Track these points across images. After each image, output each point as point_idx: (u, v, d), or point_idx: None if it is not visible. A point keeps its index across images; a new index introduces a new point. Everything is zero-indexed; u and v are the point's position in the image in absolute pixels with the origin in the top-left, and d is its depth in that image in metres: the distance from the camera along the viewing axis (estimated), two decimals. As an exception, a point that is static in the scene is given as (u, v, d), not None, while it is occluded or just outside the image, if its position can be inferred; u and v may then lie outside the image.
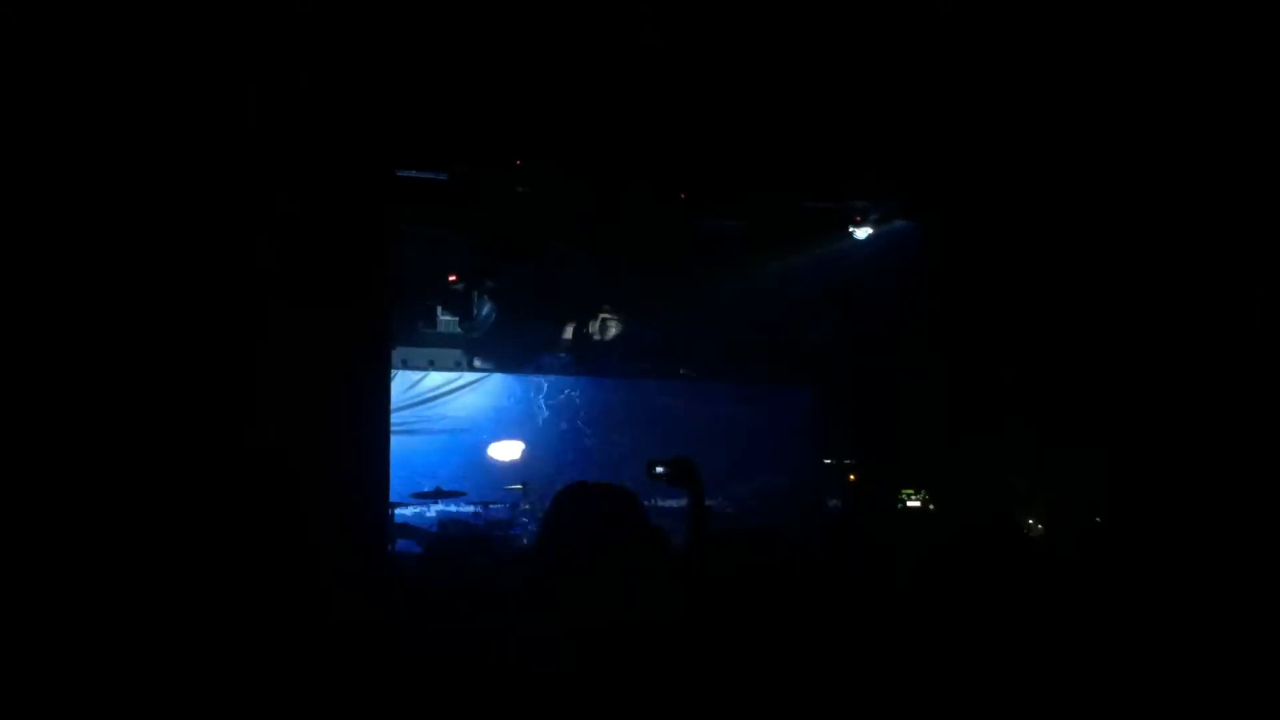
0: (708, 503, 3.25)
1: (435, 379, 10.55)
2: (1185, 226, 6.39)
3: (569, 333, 10.16)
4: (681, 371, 11.01)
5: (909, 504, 8.48)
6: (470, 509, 9.32)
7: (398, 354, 9.32)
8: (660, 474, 3.54)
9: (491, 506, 9.31)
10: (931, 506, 8.47)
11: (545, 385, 11.04)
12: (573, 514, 2.10)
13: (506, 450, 10.50)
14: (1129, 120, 6.17)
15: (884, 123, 6.68)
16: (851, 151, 7.10)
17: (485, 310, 9.08)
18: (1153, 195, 6.47)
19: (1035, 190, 7.09)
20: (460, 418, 10.68)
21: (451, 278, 8.98)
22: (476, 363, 10.43)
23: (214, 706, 3.51)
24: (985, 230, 7.77)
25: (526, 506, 9.23)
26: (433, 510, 9.36)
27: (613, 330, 10.13)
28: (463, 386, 10.66)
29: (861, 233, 8.83)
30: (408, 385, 10.28)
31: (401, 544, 7.58)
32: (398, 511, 8.46)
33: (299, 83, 4.77)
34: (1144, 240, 6.67)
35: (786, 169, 7.38)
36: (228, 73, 4.38)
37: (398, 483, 9.29)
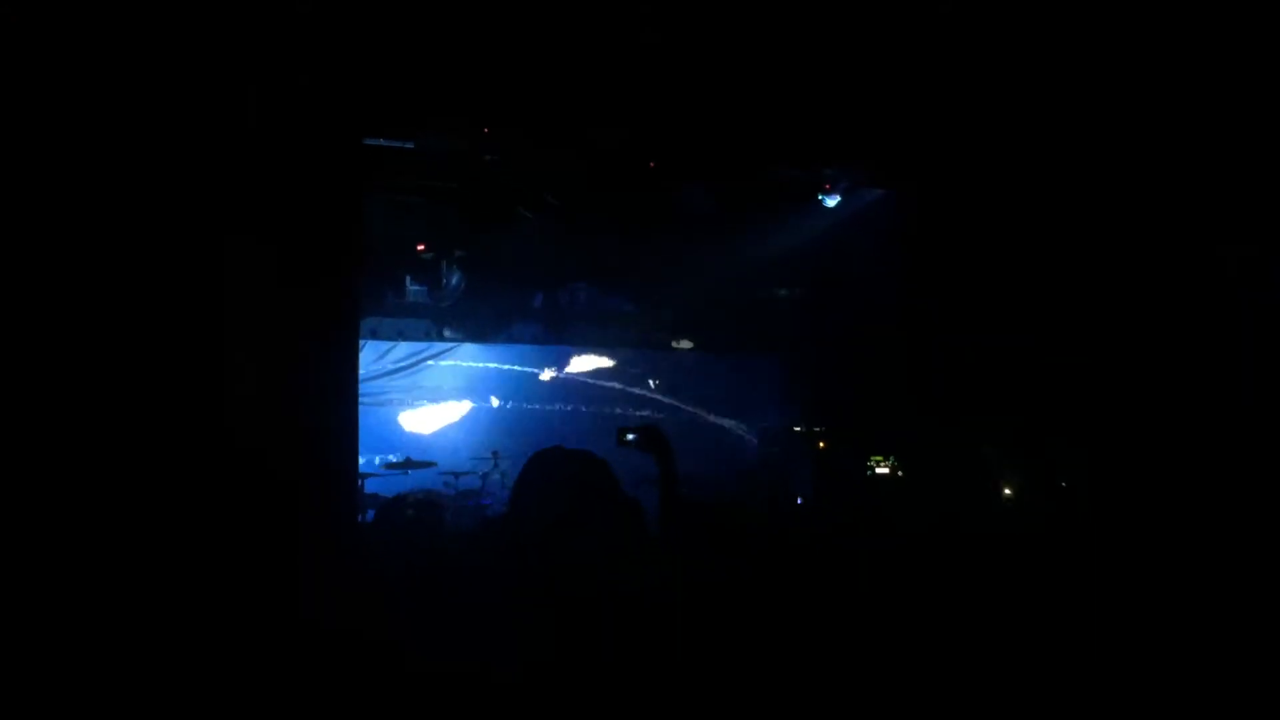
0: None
1: (404, 349, 10.52)
2: (1167, 201, 6.42)
3: (539, 301, 10.15)
4: (652, 339, 11.03)
5: (877, 471, 8.53)
6: (441, 479, 9.31)
7: (366, 324, 9.28)
8: (630, 441, 3.57)
9: (462, 477, 9.30)
10: (900, 474, 8.52)
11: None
12: (541, 479, 2.09)
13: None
14: (1109, 92, 6.17)
15: (855, 88, 6.66)
16: (821, 118, 7.08)
17: (454, 279, 9.03)
18: (1134, 165, 6.49)
19: (1012, 157, 7.10)
20: (431, 388, 10.67)
21: (420, 247, 8.93)
22: (446, 332, 10.40)
23: (182, 678, 3.49)
24: (958, 197, 7.79)
25: (498, 476, 9.24)
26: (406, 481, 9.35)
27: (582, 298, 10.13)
28: (432, 357, 10.63)
29: (831, 200, 8.83)
30: (377, 355, 10.25)
31: (371, 514, 7.57)
32: (368, 481, 8.45)
33: (265, 50, 4.71)
34: (1121, 208, 6.70)
35: (755, 136, 7.35)
36: (191, 42, 4.31)
37: (369, 454, 9.32)
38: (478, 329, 10.37)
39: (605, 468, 2.12)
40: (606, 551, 2.07)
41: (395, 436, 10.38)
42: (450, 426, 10.68)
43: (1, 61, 3.91)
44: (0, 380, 3.81)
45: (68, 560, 3.71)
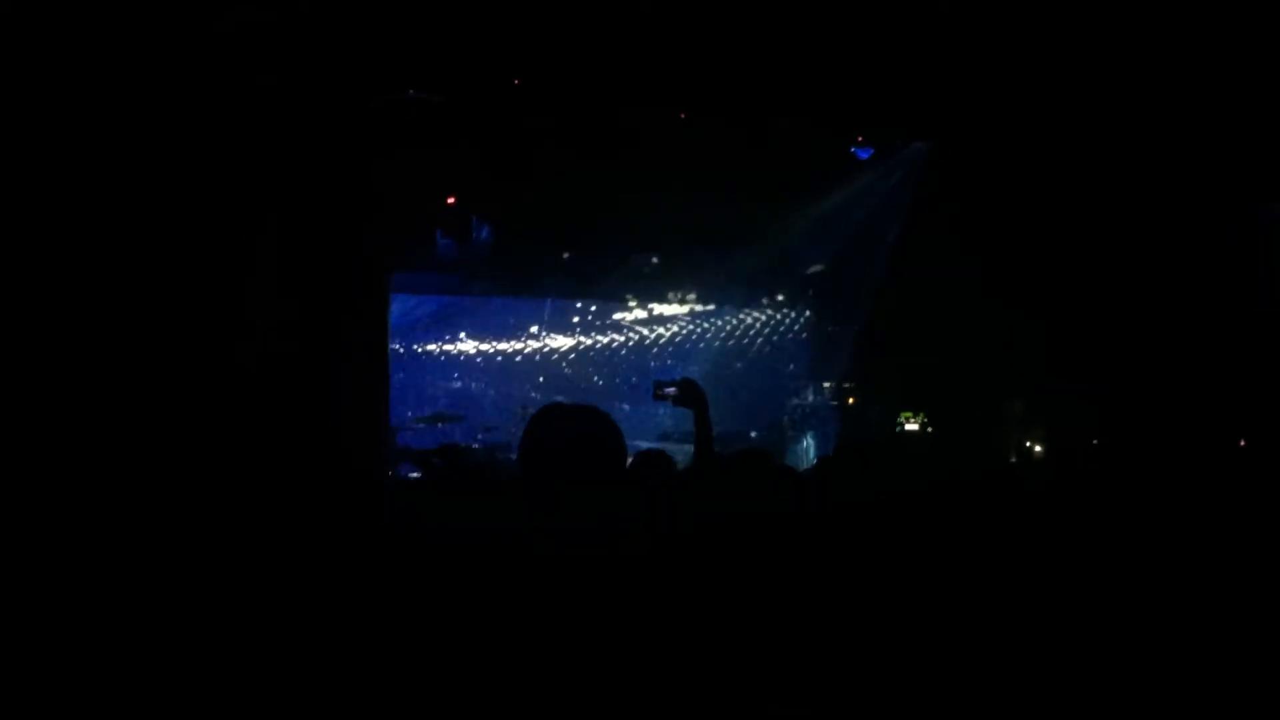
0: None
1: (435, 303, 10.56)
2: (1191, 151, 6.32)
3: (568, 256, 10.13)
4: (681, 295, 11.01)
5: (907, 427, 8.50)
6: (473, 434, 9.38)
7: (397, 279, 9.30)
8: (667, 394, 3.62)
9: (491, 430, 9.36)
10: (930, 430, 8.49)
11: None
12: (543, 437, 2.09)
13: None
14: (1138, 51, 6.06)
15: (890, 41, 6.56)
16: (856, 71, 6.99)
17: (484, 233, 9.02)
18: (1165, 120, 6.38)
19: (1045, 110, 6.99)
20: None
21: (449, 200, 8.92)
22: (476, 286, 10.42)
23: (212, 625, 3.54)
24: (992, 153, 7.69)
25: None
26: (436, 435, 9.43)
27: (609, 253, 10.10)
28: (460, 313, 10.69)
29: (865, 154, 8.74)
30: (406, 310, 10.28)
31: (403, 468, 7.64)
32: (400, 435, 8.52)
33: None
34: (1150, 167, 6.61)
35: (788, 88, 7.27)
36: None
37: (406, 407, 9.40)
38: (508, 282, 10.37)
39: (608, 421, 2.12)
40: (612, 507, 2.07)
41: (427, 391, 10.46)
42: (479, 382, 10.75)
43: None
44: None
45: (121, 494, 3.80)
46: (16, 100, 3.94)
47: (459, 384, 10.89)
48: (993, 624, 2.71)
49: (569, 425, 2.13)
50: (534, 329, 11.49)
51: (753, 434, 9.92)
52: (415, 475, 7.29)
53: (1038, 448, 7.44)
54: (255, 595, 3.64)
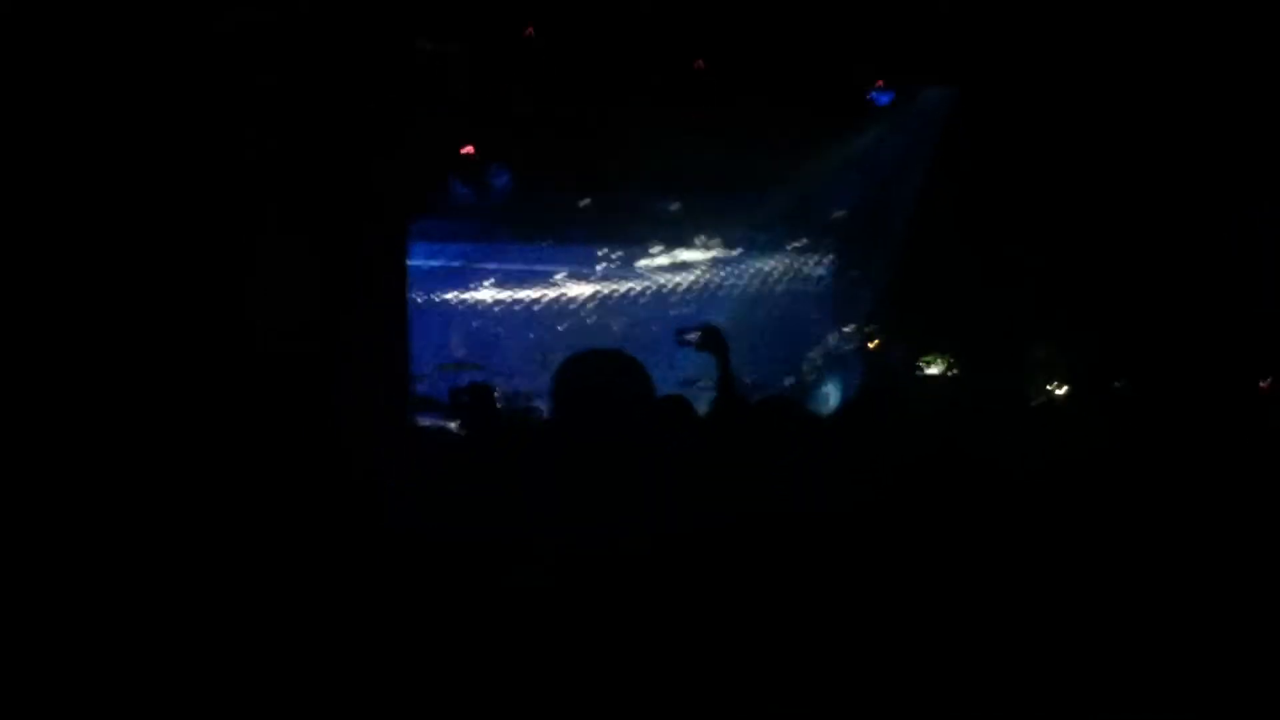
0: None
1: (455, 250, 10.54)
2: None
3: (588, 202, 10.09)
4: (701, 240, 10.97)
5: (929, 371, 8.48)
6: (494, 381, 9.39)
7: (416, 227, 9.28)
8: (689, 340, 3.62)
9: (513, 379, 9.38)
10: (952, 373, 8.47)
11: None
12: (571, 383, 2.10)
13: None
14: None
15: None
16: (877, 14, 6.91)
17: (502, 180, 9.00)
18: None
19: (1076, 56, 6.90)
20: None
21: (467, 149, 8.88)
22: (496, 232, 10.39)
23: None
24: (1018, 97, 7.60)
25: (548, 377, 9.27)
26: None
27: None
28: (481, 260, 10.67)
29: (884, 99, 8.66)
30: (428, 256, 10.27)
31: (423, 416, 7.66)
32: (420, 384, 8.53)
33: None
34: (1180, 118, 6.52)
35: (808, 31, 7.19)
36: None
37: (427, 355, 9.42)
38: (527, 230, 10.35)
39: (636, 367, 2.12)
40: (637, 455, 2.08)
41: (448, 339, 10.47)
42: (499, 330, 10.76)
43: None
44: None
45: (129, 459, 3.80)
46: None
47: (479, 331, 10.90)
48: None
49: (598, 370, 2.14)
50: (556, 276, 11.46)
51: (787, 381, 9.88)
52: (435, 423, 7.30)
53: (1060, 390, 7.41)
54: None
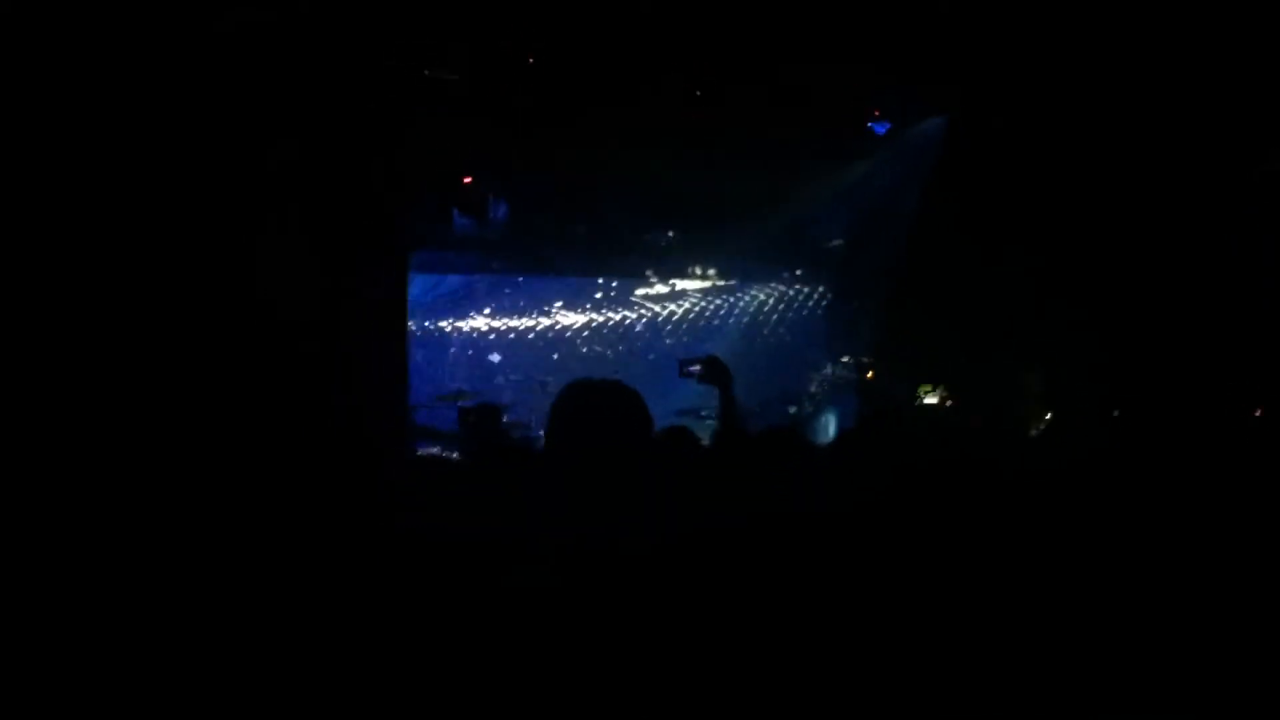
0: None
1: (455, 281, 10.57)
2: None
3: (584, 232, 10.13)
4: (697, 270, 11.00)
5: (926, 400, 8.49)
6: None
7: (415, 258, 9.30)
8: (692, 372, 3.62)
9: (509, 408, 9.37)
10: (949, 403, 8.48)
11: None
12: (569, 412, 2.11)
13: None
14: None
15: (907, 15, 6.51)
16: (871, 43, 6.94)
17: (501, 211, 9.03)
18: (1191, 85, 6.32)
19: (1066, 82, 6.93)
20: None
21: (466, 179, 8.92)
22: (494, 264, 10.42)
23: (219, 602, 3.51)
24: (1011, 124, 7.63)
25: (547, 406, 9.26)
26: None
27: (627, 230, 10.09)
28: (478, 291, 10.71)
29: (881, 128, 8.71)
30: (428, 288, 10.30)
31: (422, 445, 7.66)
32: (420, 413, 8.52)
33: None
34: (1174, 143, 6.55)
35: (804, 62, 7.22)
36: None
37: (426, 385, 9.42)
38: (525, 260, 10.37)
39: (635, 397, 2.13)
40: (636, 483, 2.08)
41: (445, 369, 10.48)
42: (496, 359, 10.77)
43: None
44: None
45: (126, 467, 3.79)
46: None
47: (475, 362, 10.91)
48: (1005, 620, 2.66)
49: (595, 400, 2.14)
50: (551, 306, 11.49)
51: (790, 409, 9.87)
52: (436, 451, 7.30)
53: (1057, 420, 7.41)
54: (258, 590, 3.61)
